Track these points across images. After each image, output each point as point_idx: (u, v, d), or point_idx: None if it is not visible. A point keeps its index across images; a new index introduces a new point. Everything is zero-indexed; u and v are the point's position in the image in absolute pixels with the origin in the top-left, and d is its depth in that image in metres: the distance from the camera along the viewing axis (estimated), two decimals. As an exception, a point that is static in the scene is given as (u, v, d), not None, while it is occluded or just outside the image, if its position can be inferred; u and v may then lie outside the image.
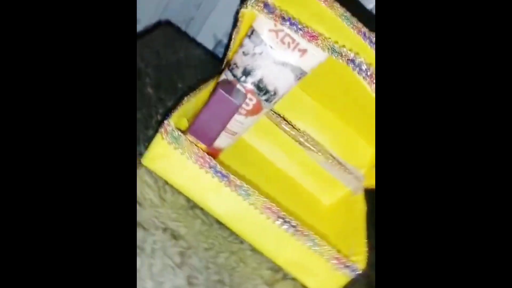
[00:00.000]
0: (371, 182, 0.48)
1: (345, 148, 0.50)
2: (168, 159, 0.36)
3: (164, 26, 0.64)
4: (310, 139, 0.50)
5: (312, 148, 0.50)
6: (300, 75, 0.38)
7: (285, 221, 0.36)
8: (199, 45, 0.65)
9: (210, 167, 0.36)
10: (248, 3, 0.35)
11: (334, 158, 0.50)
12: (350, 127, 0.49)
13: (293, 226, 0.36)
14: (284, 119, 0.50)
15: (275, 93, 0.39)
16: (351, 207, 0.47)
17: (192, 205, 0.38)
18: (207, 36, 0.68)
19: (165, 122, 0.36)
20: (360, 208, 0.45)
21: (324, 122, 0.49)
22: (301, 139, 0.50)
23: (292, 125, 0.50)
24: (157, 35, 0.58)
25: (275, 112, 0.50)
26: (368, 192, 0.48)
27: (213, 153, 0.43)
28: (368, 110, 0.39)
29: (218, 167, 0.36)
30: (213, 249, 0.36)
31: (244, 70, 0.38)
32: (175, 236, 0.35)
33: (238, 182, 0.36)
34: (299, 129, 0.50)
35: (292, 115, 0.50)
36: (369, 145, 0.49)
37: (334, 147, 0.50)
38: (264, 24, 0.36)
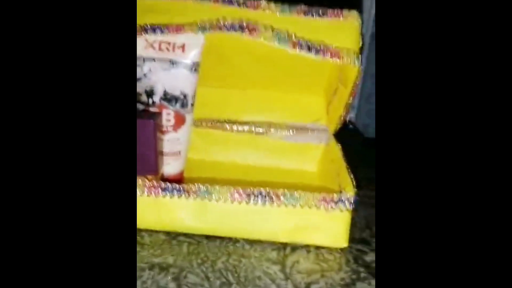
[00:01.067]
0: (334, 125, 0.47)
1: (296, 111, 0.49)
2: (126, 206, 0.36)
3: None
4: (262, 123, 0.50)
5: (269, 131, 0.50)
6: (193, 66, 0.39)
7: (255, 196, 0.35)
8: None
9: (164, 190, 0.36)
10: (110, 35, 0.37)
11: (292, 127, 0.49)
12: (286, 90, 0.49)
13: (266, 196, 0.35)
14: (230, 122, 0.50)
15: (184, 96, 0.39)
16: (329, 156, 0.46)
17: (174, 235, 0.37)
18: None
19: (103, 175, 0.36)
20: (335, 150, 0.44)
21: (262, 101, 0.49)
22: (255, 129, 0.50)
23: (239, 122, 0.50)
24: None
25: (219, 121, 0.50)
26: (336, 135, 0.47)
27: (178, 180, 0.43)
28: (283, 60, 0.40)
29: (170, 186, 0.36)
30: (207, 260, 0.35)
31: (146, 93, 0.39)
32: (163, 268, 0.34)
33: (193, 187, 0.36)
34: (248, 122, 0.50)
35: (233, 114, 0.50)
36: (313, 94, 0.48)
37: (286, 117, 0.50)
38: (136, 45, 0.37)
